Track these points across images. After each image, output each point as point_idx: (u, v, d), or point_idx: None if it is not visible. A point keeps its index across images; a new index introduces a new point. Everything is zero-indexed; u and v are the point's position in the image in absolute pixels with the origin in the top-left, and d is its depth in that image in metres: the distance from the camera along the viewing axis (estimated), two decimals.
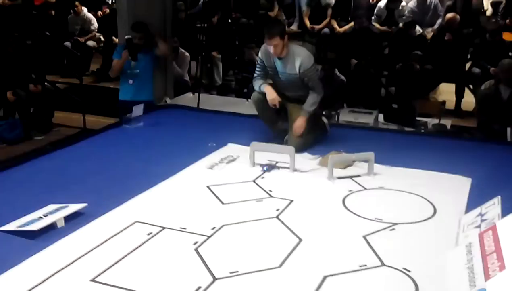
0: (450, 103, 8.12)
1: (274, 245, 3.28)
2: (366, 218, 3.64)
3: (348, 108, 6.97)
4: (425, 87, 7.67)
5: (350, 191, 4.11)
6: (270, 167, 3.70)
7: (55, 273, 2.90)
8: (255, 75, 5.18)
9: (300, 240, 3.35)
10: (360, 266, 3.05)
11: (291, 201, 3.91)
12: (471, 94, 8.07)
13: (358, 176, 4.39)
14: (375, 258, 3.13)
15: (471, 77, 8.09)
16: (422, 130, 6.62)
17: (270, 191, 4.09)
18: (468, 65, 8.44)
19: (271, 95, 4.93)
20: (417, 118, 6.95)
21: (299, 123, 4.93)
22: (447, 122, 7.15)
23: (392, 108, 6.99)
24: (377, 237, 3.38)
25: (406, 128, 6.48)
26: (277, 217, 3.66)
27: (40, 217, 3.43)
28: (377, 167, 4.46)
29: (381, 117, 6.87)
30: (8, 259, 3.01)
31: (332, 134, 5.41)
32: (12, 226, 3.36)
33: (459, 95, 8.23)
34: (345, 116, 6.65)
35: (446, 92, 8.38)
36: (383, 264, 3.07)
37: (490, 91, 6.53)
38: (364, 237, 3.38)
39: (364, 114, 6.68)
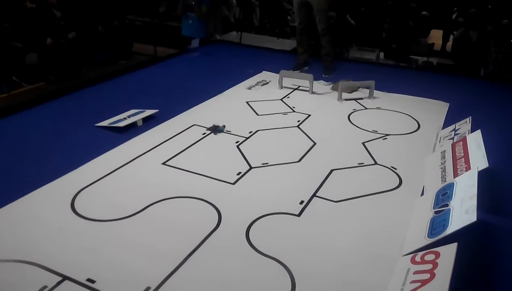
0: (437, 46, 7.73)
1: (295, 146, 3.30)
2: (365, 130, 3.60)
3: (356, 47, 6.69)
4: (419, 31, 7.25)
5: (354, 109, 4.04)
6: (216, 130, 3.33)
7: (136, 157, 3.00)
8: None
9: (315, 143, 3.35)
10: (359, 163, 3.05)
11: (309, 115, 3.87)
12: None
13: (361, 98, 4.28)
14: (370, 158, 3.13)
15: (455, 25, 7.59)
16: (414, 66, 6.36)
17: (293, 107, 4.04)
18: (454, 16, 7.90)
19: None
20: (410, 56, 6.66)
21: None
22: (434, 60, 6.85)
23: (391, 47, 6.68)
24: (373, 144, 3.35)
25: (401, 64, 6.23)
26: (298, 126, 3.64)
27: (125, 118, 3.49)
28: (377, 93, 4.34)
29: (382, 54, 6.63)
30: (103, 146, 3.12)
31: (342, 67, 5.24)
32: (105, 123, 3.44)
33: (445, 39, 7.79)
34: (354, 53, 6.41)
35: (434, 37, 7.92)
36: (376, 163, 3.06)
37: (461, 35, 6.18)
38: (363, 143, 3.35)
39: (368, 52, 6.43)
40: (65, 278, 1.92)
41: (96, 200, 2.50)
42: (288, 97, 4.30)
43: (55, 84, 4.28)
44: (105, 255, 2.08)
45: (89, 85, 4.36)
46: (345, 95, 4.29)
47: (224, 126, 3.31)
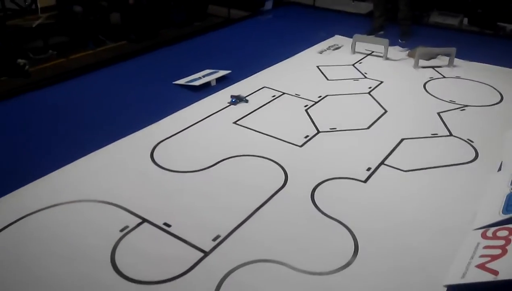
0: None
1: (365, 113, 3.21)
2: (442, 99, 3.40)
3: (437, 11, 6.19)
4: None
5: (431, 77, 3.81)
6: (238, 99, 3.18)
7: (210, 115, 3.10)
8: None
9: (386, 111, 3.24)
10: (432, 134, 2.92)
11: (381, 82, 3.72)
12: None
13: (440, 66, 4.02)
14: (445, 129, 2.97)
15: None
16: (501, 33, 5.77)
17: (365, 73, 3.90)
18: None
19: None
20: (497, 22, 6.03)
21: None
22: None
23: (476, 13, 6.08)
24: (449, 115, 3.17)
25: (487, 31, 5.69)
26: (369, 93, 3.53)
27: (200, 77, 3.60)
28: (457, 61, 4.04)
29: (465, 20, 6.06)
30: (180, 102, 3.25)
31: (421, 32, 4.92)
32: (182, 81, 3.57)
33: None
34: (434, 18, 5.92)
35: None
36: (451, 135, 2.91)
37: None
38: (438, 114, 3.18)
39: (450, 17, 5.92)
40: (144, 220, 2.09)
41: (173, 153, 2.65)
42: (360, 62, 4.15)
43: (136, 43, 4.47)
44: (180, 203, 2.22)
45: (167, 45, 4.52)
46: (422, 62, 4.05)
47: (247, 99, 3.25)
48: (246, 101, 3.22)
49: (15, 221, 2.07)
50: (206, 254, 1.91)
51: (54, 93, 3.43)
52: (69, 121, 3.00)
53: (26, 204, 2.17)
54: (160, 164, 2.54)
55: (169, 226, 2.06)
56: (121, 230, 2.02)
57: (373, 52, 4.34)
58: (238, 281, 1.78)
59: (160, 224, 2.07)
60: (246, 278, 1.80)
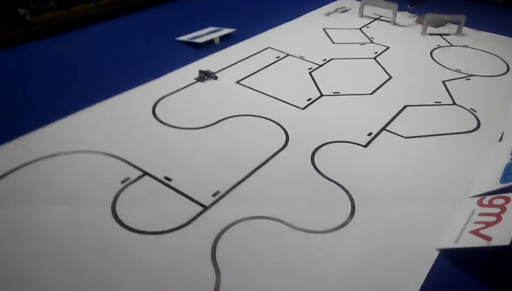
0: None
1: (369, 78, 3.16)
2: (447, 68, 3.34)
3: None
4: None
5: (438, 45, 3.73)
6: (205, 75, 2.84)
7: (212, 74, 3.05)
8: None
9: (390, 77, 3.18)
10: (435, 102, 2.88)
11: (388, 48, 3.64)
12: None
13: (448, 34, 3.92)
14: (449, 98, 2.93)
15: None
16: None
17: (372, 38, 3.81)
18: None
19: None
20: None
21: None
22: None
23: None
24: (454, 83, 3.12)
25: (498, 0, 5.51)
26: (374, 58, 3.46)
27: (203, 34, 3.52)
28: (466, 30, 3.95)
29: None
30: (182, 60, 3.19)
31: None
32: (185, 38, 3.49)
33: None
34: None
35: None
36: (454, 103, 2.87)
37: None
38: (443, 82, 3.13)
39: None
40: (145, 173, 2.10)
41: (174, 109, 2.62)
42: (367, 27, 4.04)
43: None
44: (181, 158, 2.22)
45: (171, 0, 4.38)
46: (430, 29, 3.95)
47: (215, 75, 2.92)
48: (215, 78, 2.93)
49: (16, 168, 2.07)
50: (205, 208, 1.93)
51: (55, 44, 3.35)
52: (70, 72, 2.96)
53: (28, 152, 2.17)
54: (162, 120, 2.52)
55: (169, 180, 2.06)
56: (122, 182, 2.03)
57: (381, 16, 4.23)
58: (235, 235, 1.81)
59: (161, 177, 2.07)
60: (243, 232, 1.82)
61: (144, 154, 2.22)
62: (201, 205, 1.94)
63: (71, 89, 2.76)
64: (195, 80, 2.80)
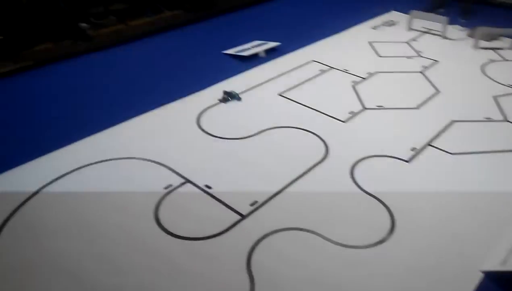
0: None
1: (415, 92, 3.07)
2: (500, 83, 3.18)
3: None
4: None
5: (491, 60, 3.56)
6: (229, 96, 2.78)
7: (256, 86, 3.10)
8: None
9: (438, 91, 3.08)
10: (486, 118, 2.75)
11: (437, 61, 3.53)
12: None
13: (501, 48, 3.74)
14: (500, 114, 2.79)
15: None
16: None
17: (420, 51, 3.71)
18: None
19: None
20: None
21: None
22: None
23: None
24: (507, 99, 2.96)
25: None
26: (422, 72, 3.36)
27: (249, 48, 3.59)
28: None
29: None
30: (228, 72, 3.27)
31: (484, 11, 4.58)
32: (231, 51, 3.58)
33: None
34: None
35: None
36: (506, 120, 2.73)
37: None
38: (494, 97, 2.98)
39: None
40: (187, 181, 2.16)
41: (217, 120, 2.69)
42: (415, 40, 3.94)
43: (191, 12, 4.52)
44: (222, 167, 2.27)
45: (221, 14, 4.52)
46: (482, 43, 3.79)
47: (239, 97, 2.82)
48: (239, 99, 2.82)
49: (69, 172, 2.21)
50: (243, 217, 1.95)
51: (111, 56, 3.56)
52: (123, 83, 3.12)
53: (80, 157, 2.31)
54: (205, 129, 2.59)
55: (209, 188, 2.11)
56: (165, 188, 2.11)
57: (430, 30, 4.11)
58: (271, 245, 1.81)
59: (202, 185, 2.13)
60: (279, 243, 1.83)
61: (187, 162, 2.29)
62: (239, 214, 1.97)
63: (122, 98, 2.91)
64: (218, 101, 2.82)
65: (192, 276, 1.67)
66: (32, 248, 1.77)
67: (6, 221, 1.89)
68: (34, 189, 2.08)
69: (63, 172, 2.20)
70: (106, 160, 2.30)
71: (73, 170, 2.22)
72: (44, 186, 2.11)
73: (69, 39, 3.73)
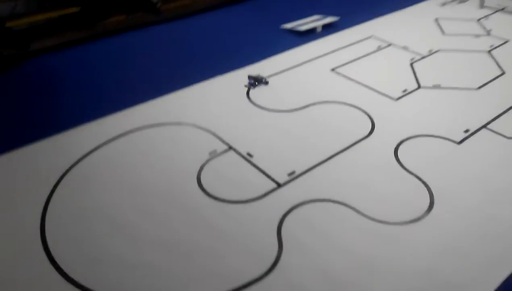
0: None
1: (478, 72, 2.88)
2: None
3: None
4: None
5: None
6: (256, 81, 2.65)
7: (309, 60, 3.09)
8: None
9: (504, 72, 2.86)
10: None
11: (507, 41, 3.25)
12: None
13: None
14: None
15: None
16: None
17: (490, 30, 3.44)
18: None
19: None
20: None
21: None
22: None
23: None
24: None
25: None
26: (488, 52, 3.13)
27: (307, 23, 3.56)
28: None
29: None
30: (283, 46, 3.29)
31: None
32: (289, 25, 3.57)
33: None
34: None
35: None
36: None
37: None
38: None
39: None
40: (230, 147, 2.26)
41: (266, 92, 2.74)
42: (487, 18, 3.65)
43: None
44: (265, 137, 2.33)
45: None
46: None
47: (267, 81, 2.71)
48: (266, 83, 2.73)
49: (120, 135, 2.39)
50: (279, 185, 2.01)
51: (177, 28, 3.72)
52: (185, 54, 3.26)
53: (132, 122, 2.48)
54: (253, 100, 2.65)
55: (251, 156, 2.19)
56: (210, 153, 2.22)
57: (505, 8, 3.77)
58: (304, 214, 1.86)
59: (244, 153, 2.21)
60: (312, 213, 1.86)
61: (232, 131, 2.38)
62: (276, 182, 2.03)
63: (180, 68, 3.06)
64: (244, 87, 2.75)
65: (224, 235, 1.78)
66: (82, 198, 1.97)
67: (65, 174, 2.12)
68: (90, 148, 2.28)
69: (112, 135, 2.37)
70: (156, 125, 2.45)
71: (123, 133, 2.40)
72: (98, 146, 2.30)
73: (141, 12, 3.95)
